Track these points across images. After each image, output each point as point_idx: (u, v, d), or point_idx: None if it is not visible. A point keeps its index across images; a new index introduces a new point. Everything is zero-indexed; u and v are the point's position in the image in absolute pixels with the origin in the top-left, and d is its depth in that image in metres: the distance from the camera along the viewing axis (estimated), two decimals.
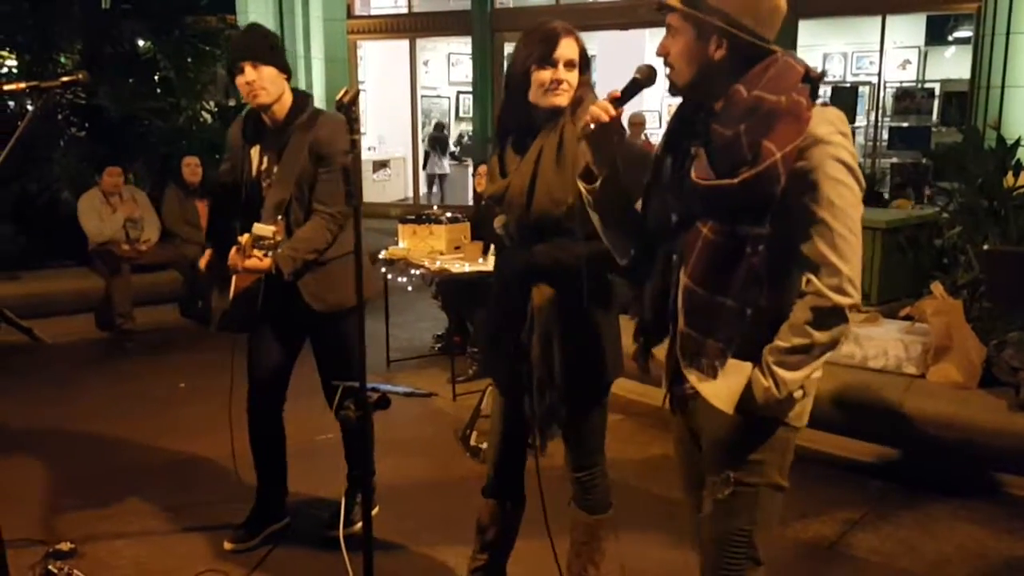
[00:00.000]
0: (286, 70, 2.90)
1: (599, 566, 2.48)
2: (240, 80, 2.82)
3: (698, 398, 1.81)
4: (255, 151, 2.95)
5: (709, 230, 1.69)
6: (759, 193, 1.61)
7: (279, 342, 3.06)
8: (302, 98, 2.94)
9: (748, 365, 1.72)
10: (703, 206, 1.70)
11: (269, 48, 2.86)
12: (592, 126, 1.77)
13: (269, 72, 2.81)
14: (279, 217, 2.83)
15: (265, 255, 2.76)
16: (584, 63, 2.20)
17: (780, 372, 1.67)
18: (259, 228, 2.76)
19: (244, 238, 2.76)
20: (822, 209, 1.62)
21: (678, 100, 1.81)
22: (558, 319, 2.23)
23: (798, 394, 1.72)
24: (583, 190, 1.89)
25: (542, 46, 2.14)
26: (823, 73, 1.77)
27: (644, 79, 1.79)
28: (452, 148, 14.25)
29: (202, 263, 3.16)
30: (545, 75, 2.14)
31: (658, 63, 1.79)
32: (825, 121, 1.63)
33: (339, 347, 3.01)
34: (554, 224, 2.19)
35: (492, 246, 2.45)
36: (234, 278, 2.86)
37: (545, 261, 2.21)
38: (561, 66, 2.15)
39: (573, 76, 2.18)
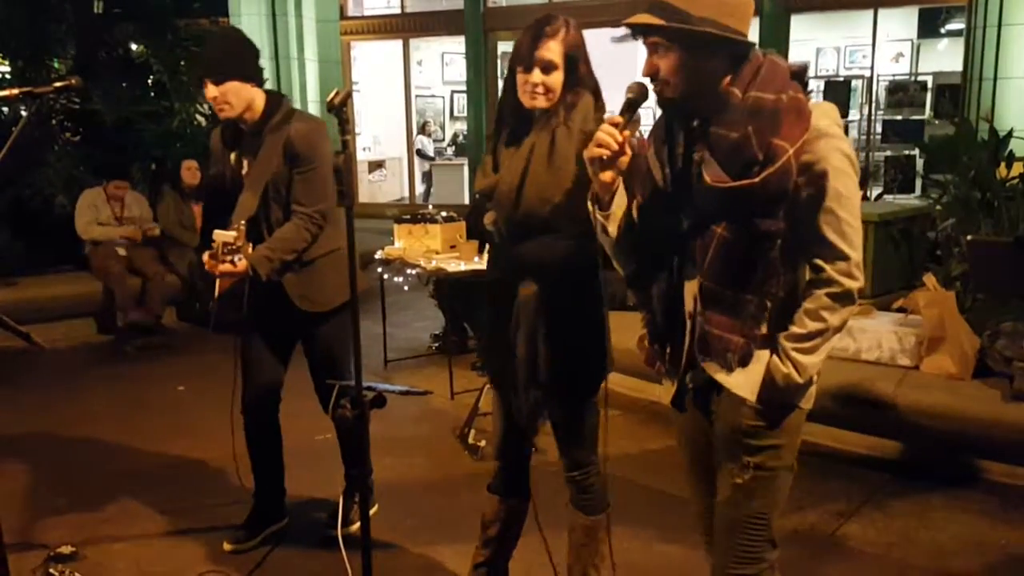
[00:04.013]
0: (252, 78, 2.85)
1: (600, 569, 2.44)
2: (206, 94, 2.83)
3: (713, 392, 1.84)
4: (234, 156, 2.95)
5: (724, 230, 1.72)
6: (777, 189, 1.66)
7: (271, 343, 3.07)
8: (275, 100, 2.91)
9: (766, 353, 1.77)
10: (720, 208, 1.72)
11: (228, 62, 2.82)
12: (600, 154, 1.77)
13: (231, 86, 2.79)
14: (241, 222, 2.79)
15: (233, 260, 2.73)
16: (571, 64, 2.17)
17: (799, 358, 1.74)
18: (219, 235, 2.74)
19: (216, 243, 2.74)
20: (829, 199, 1.69)
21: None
22: (543, 317, 2.23)
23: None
24: (598, 218, 1.86)
25: (525, 46, 2.14)
26: (806, 65, 1.82)
27: (637, 96, 1.81)
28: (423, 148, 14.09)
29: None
30: (522, 78, 2.16)
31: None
32: (824, 114, 1.71)
33: (329, 347, 3.02)
34: (541, 223, 2.19)
35: (486, 244, 2.42)
36: (217, 280, 2.85)
37: (530, 260, 2.22)
38: (537, 70, 2.14)
39: (553, 79, 2.16)
